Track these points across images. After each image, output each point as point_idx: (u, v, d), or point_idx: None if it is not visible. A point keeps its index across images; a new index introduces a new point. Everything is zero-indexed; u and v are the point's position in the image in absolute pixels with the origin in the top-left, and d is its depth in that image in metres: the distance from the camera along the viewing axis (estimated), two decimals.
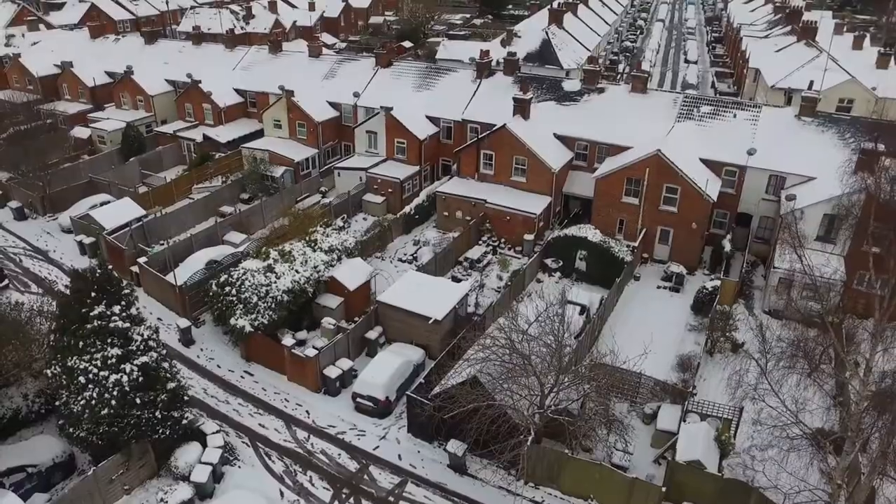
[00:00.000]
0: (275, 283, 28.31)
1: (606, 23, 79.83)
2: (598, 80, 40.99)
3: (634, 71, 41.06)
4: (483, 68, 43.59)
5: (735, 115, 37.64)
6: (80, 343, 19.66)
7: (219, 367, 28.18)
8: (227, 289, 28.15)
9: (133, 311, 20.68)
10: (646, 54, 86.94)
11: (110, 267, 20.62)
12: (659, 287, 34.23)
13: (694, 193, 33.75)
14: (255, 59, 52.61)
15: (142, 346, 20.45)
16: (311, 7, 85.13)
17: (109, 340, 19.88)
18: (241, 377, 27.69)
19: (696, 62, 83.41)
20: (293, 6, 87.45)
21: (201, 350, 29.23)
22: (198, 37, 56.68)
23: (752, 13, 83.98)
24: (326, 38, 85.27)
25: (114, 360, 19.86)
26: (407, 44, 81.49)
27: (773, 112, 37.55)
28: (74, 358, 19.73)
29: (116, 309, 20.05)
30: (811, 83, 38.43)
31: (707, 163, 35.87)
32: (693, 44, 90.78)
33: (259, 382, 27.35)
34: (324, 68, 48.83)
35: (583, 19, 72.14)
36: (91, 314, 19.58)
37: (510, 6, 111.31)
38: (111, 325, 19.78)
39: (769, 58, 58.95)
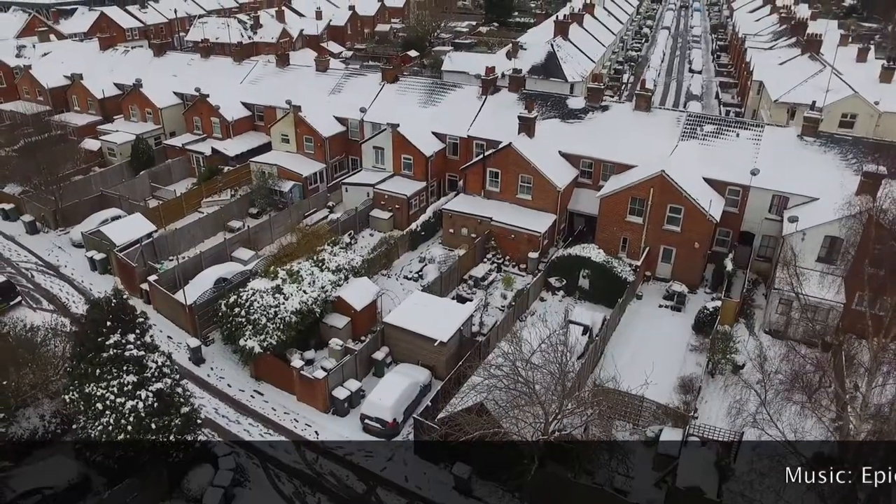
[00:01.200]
0: (283, 304, 28.86)
1: (612, 32, 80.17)
2: (602, 97, 41.42)
3: (638, 89, 41.42)
4: (488, 85, 44.07)
5: (738, 135, 38.04)
6: (97, 371, 20.25)
7: (229, 386, 28.75)
8: (237, 310, 28.71)
9: (147, 338, 21.24)
10: (650, 62, 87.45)
11: (125, 296, 21.13)
12: (661, 306, 34.65)
13: (697, 213, 34.15)
14: (263, 72, 53.23)
15: (156, 373, 21.03)
16: (318, 16, 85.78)
17: (125, 368, 20.47)
18: (252, 396, 28.26)
19: (700, 72, 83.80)
20: (300, 15, 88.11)
21: (212, 369, 29.81)
22: (206, 49, 57.31)
23: (757, 23, 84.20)
24: (333, 46, 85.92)
25: (129, 386, 20.44)
26: (413, 53, 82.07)
27: (775, 132, 37.95)
28: (91, 385, 20.31)
29: (131, 337, 20.64)
30: (813, 103, 38.86)
31: (710, 182, 36.28)
32: (698, 52, 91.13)
33: (269, 402, 27.91)
34: (330, 83, 49.40)
35: (588, 30, 72.50)
36: (107, 343, 20.15)
37: (516, 13, 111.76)
38: (126, 353, 20.34)
39: (773, 71, 59.21)
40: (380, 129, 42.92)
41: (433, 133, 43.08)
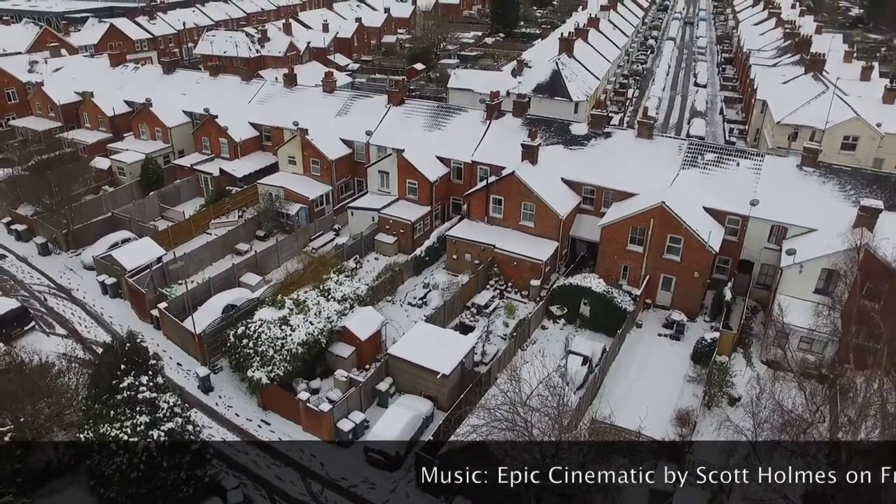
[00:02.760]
0: (290, 335, 29.62)
1: (617, 46, 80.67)
2: (605, 124, 42.01)
3: (641, 117, 42.00)
4: (493, 110, 44.70)
5: (738, 164, 38.55)
6: (111, 412, 21.02)
7: (237, 415, 29.51)
8: (245, 341, 29.49)
9: (159, 378, 22.01)
10: (655, 75, 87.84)
11: (139, 339, 21.91)
12: (660, 335, 35.27)
13: (696, 244, 34.73)
14: (270, 92, 54.03)
15: (168, 413, 21.79)
16: (325, 28, 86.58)
17: (138, 409, 21.23)
18: (259, 426, 29.01)
19: (705, 85, 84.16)
20: (307, 27, 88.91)
21: (220, 397, 30.58)
22: (215, 68, 58.19)
23: (762, 36, 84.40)
24: (340, 59, 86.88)
25: (142, 427, 21.23)
26: (419, 66, 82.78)
27: (775, 161, 38.44)
28: (106, 425, 21.09)
29: (144, 379, 21.41)
30: (813, 133, 39.28)
31: (710, 211, 36.86)
32: (703, 66, 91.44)
33: (276, 432, 28.65)
34: (337, 104, 50.13)
35: (593, 45, 73.05)
36: (121, 385, 20.93)
37: (521, 23, 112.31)
38: (140, 395, 21.12)
39: (776, 90, 59.57)
40: (385, 154, 43.65)
41: (438, 157, 43.75)
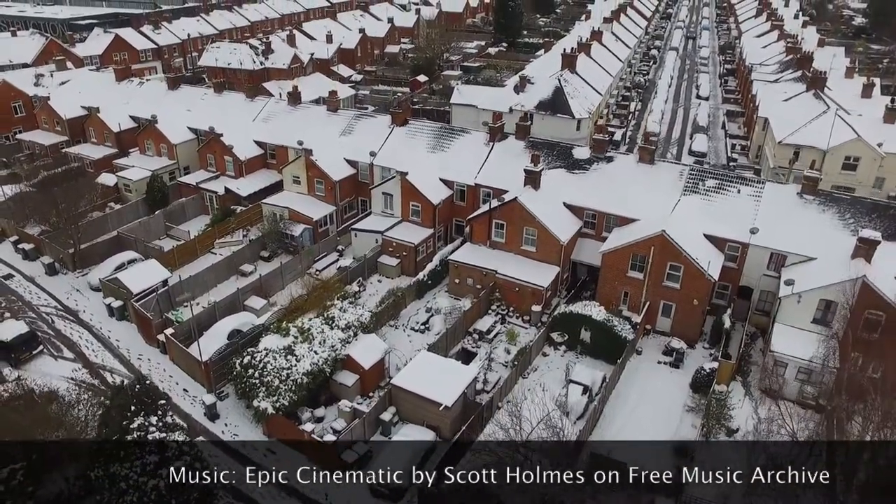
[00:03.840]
0: (295, 366, 30.11)
1: (619, 59, 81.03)
2: (607, 148, 42.42)
3: (641, 142, 42.39)
4: (496, 132, 45.12)
5: (739, 191, 38.94)
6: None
7: (243, 445, 29.93)
8: (251, 371, 29.97)
9: (168, 419, 22.48)
10: (658, 86, 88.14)
11: (148, 382, 22.38)
12: (660, 362, 35.66)
13: (696, 272, 35.12)
14: (275, 110, 54.50)
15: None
16: (329, 39, 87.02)
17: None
18: (265, 455, 29.41)
19: (707, 98, 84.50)
20: (311, 38, 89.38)
21: (226, 425, 31.02)
22: (219, 85, 58.75)
23: (764, 49, 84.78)
24: (343, 69, 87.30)
25: (151, 466, 21.70)
26: (422, 78, 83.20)
27: (776, 188, 38.82)
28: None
29: (154, 419, 21.88)
30: (813, 163, 39.69)
31: (711, 238, 37.25)
32: (706, 77, 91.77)
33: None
34: (341, 123, 50.58)
35: (596, 59, 73.39)
36: (132, 426, 21.40)
37: (525, 32, 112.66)
38: (149, 436, 21.59)
39: (778, 108, 59.92)
40: (389, 176, 44.07)
41: (441, 179, 44.18)
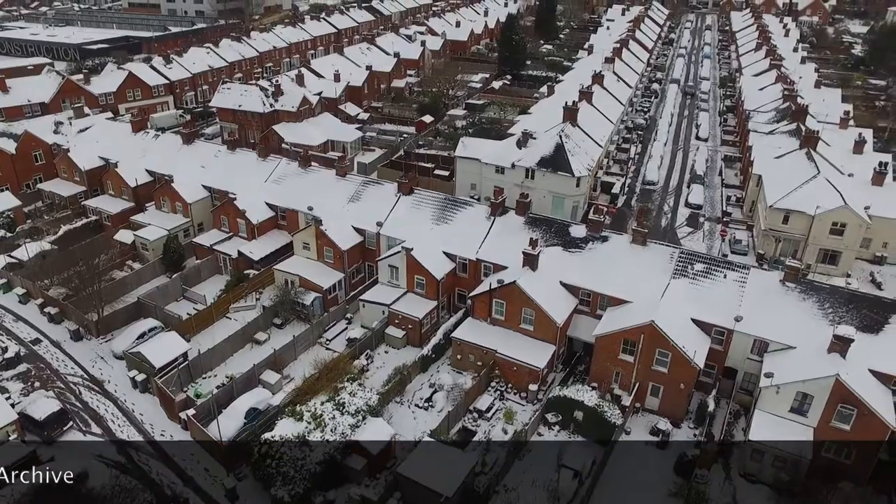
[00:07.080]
0: (309, 456, 32.60)
1: (620, 102, 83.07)
2: (601, 229, 44.74)
3: (635, 225, 44.74)
4: (497, 207, 47.46)
5: (725, 276, 41.25)
6: None
7: None
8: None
9: None
10: (658, 125, 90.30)
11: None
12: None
13: (682, 359, 37.50)
14: (286, 171, 56.89)
15: None
16: (336, 78, 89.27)
17: None
18: None
19: (706, 139, 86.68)
20: (319, 76, 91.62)
21: None
22: (232, 143, 61.28)
23: (761, 92, 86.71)
24: (350, 108, 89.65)
25: None
26: (427, 118, 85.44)
27: (759, 275, 41.14)
28: None
29: None
30: (795, 252, 41.85)
31: (698, 323, 39.66)
32: (705, 116, 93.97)
33: None
34: (350, 189, 52.89)
35: (597, 106, 75.44)
36: None
37: (528, 62, 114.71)
38: None
39: (771, 167, 61.93)
40: (395, 249, 46.37)
41: (444, 253, 46.55)
